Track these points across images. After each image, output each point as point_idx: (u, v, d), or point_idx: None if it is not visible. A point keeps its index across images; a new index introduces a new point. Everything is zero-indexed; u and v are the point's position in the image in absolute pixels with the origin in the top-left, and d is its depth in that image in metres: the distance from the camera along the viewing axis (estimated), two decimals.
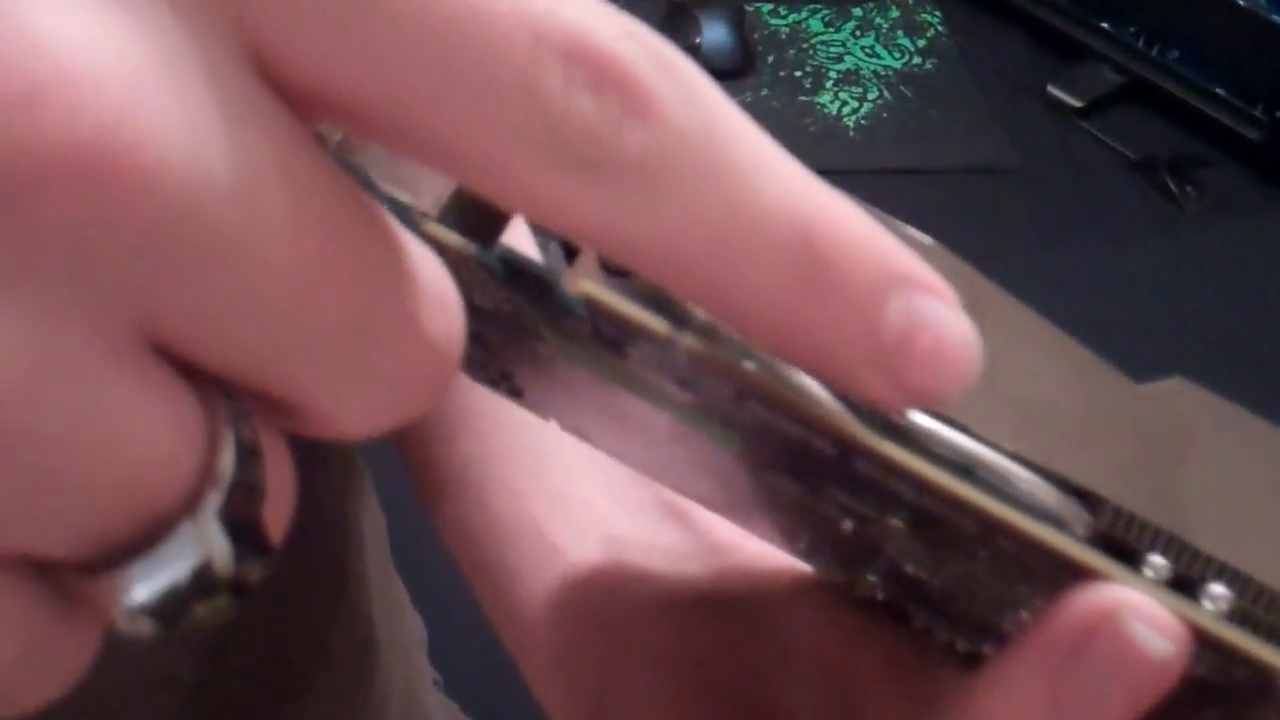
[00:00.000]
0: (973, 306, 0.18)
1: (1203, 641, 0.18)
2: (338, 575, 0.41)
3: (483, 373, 0.24)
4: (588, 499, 0.31)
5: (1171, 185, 1.59)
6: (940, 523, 0.20)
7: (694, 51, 1.67)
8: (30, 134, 0.12)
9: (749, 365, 0.19)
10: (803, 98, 1.69)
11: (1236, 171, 1.62)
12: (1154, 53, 1.70)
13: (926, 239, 0.20)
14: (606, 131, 0.15)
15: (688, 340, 0.19)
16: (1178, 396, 0.20)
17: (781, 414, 0.19)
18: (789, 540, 0.25)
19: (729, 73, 1.68)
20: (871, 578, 0.24)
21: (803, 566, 0.27)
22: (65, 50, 0.13)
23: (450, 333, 0.16)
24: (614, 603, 0.28)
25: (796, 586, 0.27)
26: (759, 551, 0.29)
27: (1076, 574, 0.19)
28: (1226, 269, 1.53)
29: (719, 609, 0.27)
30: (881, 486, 0.19)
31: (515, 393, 0.24)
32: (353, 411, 0.15)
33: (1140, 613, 0.18)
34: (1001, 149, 1.64)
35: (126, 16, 0.13)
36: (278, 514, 0.15)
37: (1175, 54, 1.69)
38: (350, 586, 0.42)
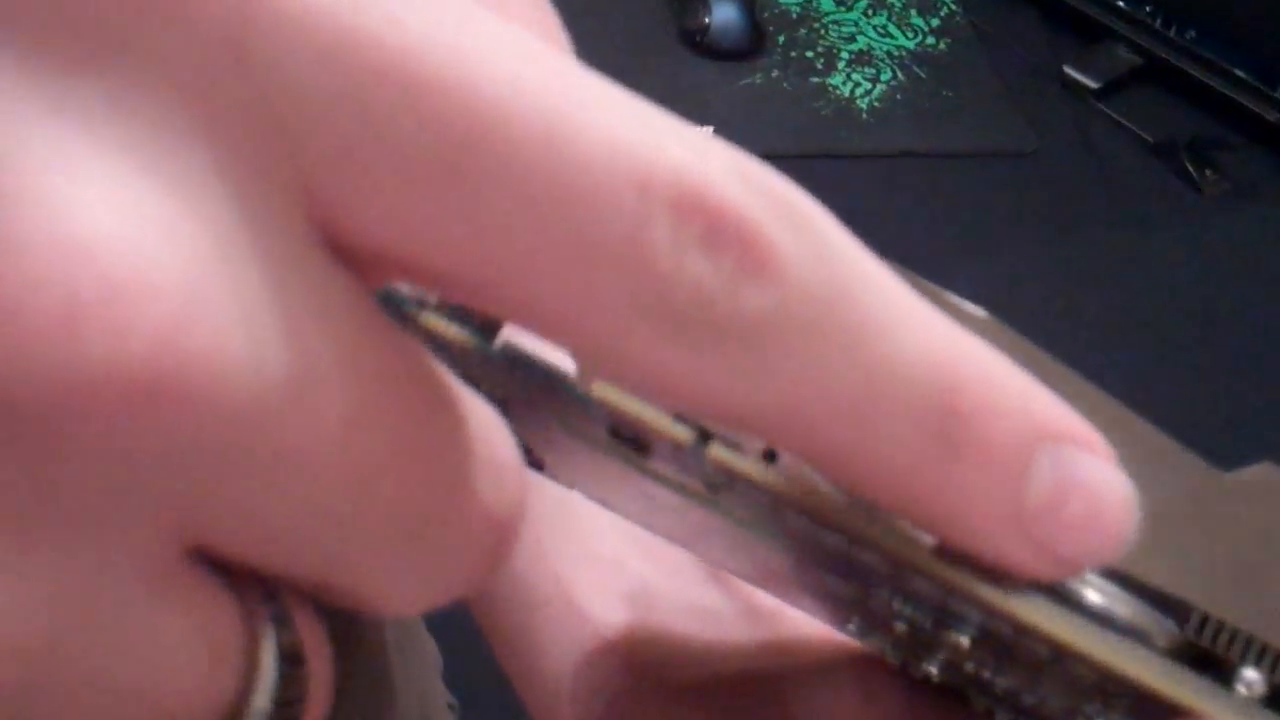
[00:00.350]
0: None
1: None
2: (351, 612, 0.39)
3: None
4: (619, 559, 0.28)
5: (1191, 168, 1.57)
6: (1007, 642, 0.17)
7: (702, 32, 1.64)
8: (71, 359, 0.11)
9: (779, 479, 0.17)
10: (814, 79, 1.67)
11: (1257, 154, 1.60)
12: (1171, 33, 1.68)
13: (980, 312, 0.18)
14: (722, 295, 0.14)
15: (715, 452, 0.17)
16: (1269, 484, 0.18)
17: (823, 529, 0.17)
18: (837, 622, 0.23)
19: (738, 54, 1.66)
20: (928, 667, 0.22)
21: (852, 641, 0.25)
22: (109, 251, 0.11)
23: (512, 500, 0.14)
24: (646, 679, 0.26)
25: (845, 662, 0.25)
26: (805, 620, 0.26)
27: (1158, 702, 0.17)
28: (1247, 252, 1.51)
29: (760, 686, 0.25)
30: (940, 603, 0.17)
31: (535, 465, 0.23)
32: (408, 594, 0.14)
33: None
34: (1017, 131, 1.62)
35: (176, 199, 0.11)
36: (317, 706, 0.14)
37: (1193, 34, 1.67)
38: (364, 620, 0.40)
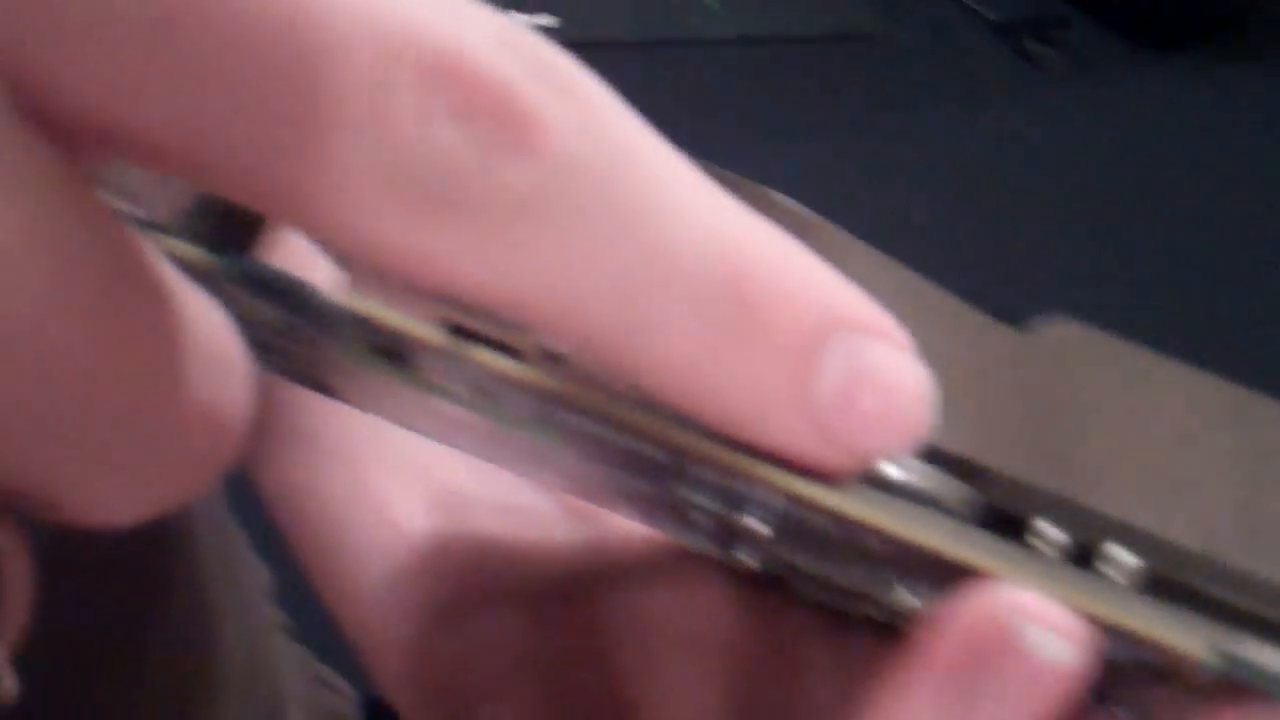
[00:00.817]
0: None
1: (1107, 628, 0.16)
2: (160, 535, 0.38)
3: (286, 375, 0.21)
4: (430, 465, 0.27)
5: (1032, 47, 1.58)
6: (799, 523, 0.17)
7: None
8: None
9: (541, 375, 0.16)
10: None
11: (1098, 31, 1.62)
12: None
13: (809, 213, 0.17)
14: (478, 169, 0.13)
15: (474, 353, 0.16)
16: (1063, 341, 0.17)
17: (598, 421, 0.16)
18: (650, 521, 0.23)
19: None
20: (744, 558, 0.22)
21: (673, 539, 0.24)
22: None
23: (233, 399, 0.13)
24: (464, 589, 0.25)
25: (668, 559, 0.24)
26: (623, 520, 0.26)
27: (947, 566, 0.16)
28: (1089, 129, 1.53)
29: (583, 588, 0.24)
30: (724, 487, 0.17)
31: (328, 390, 0.22)
32: (114, 501, 0.12)
33: (1034, 616, 0.16)
34: (860, 14, 1.62)
35: None
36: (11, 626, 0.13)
37: None
38: (176, 546, 0.39)
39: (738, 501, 0.17)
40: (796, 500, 0.16)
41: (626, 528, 0.25)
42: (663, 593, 0.24)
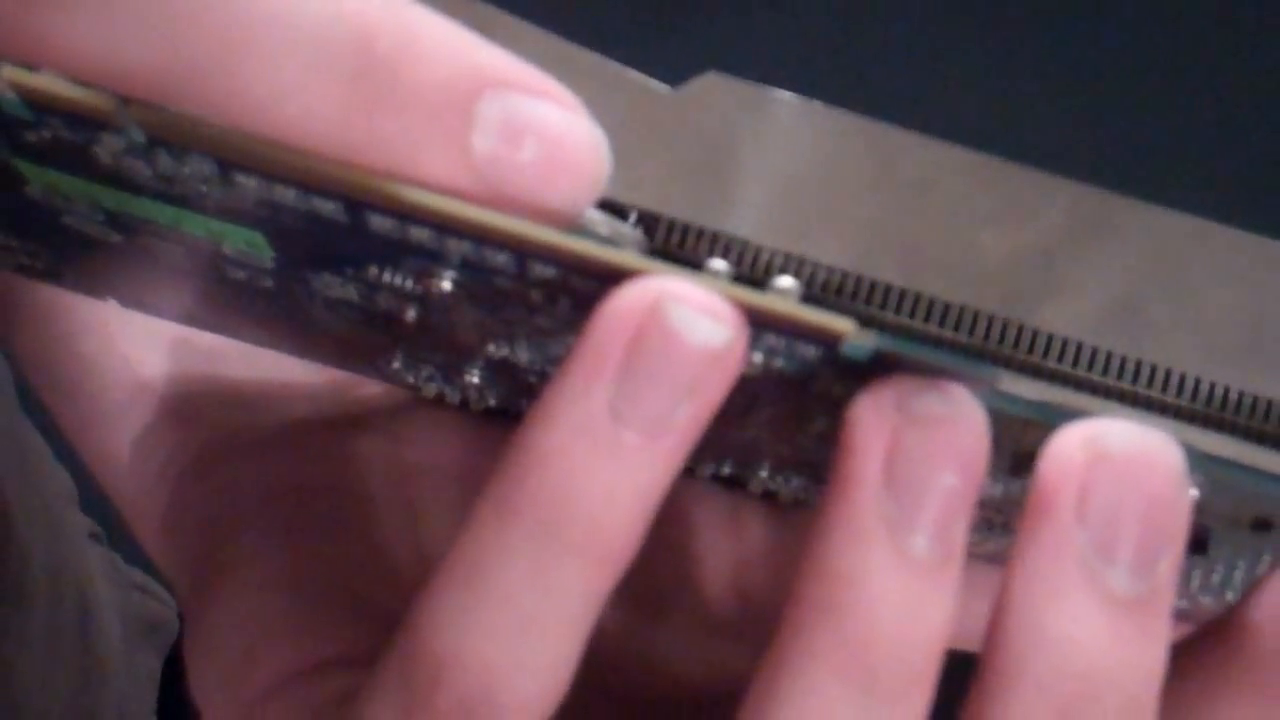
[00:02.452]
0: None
1: (764, 324, 0.16)
2: None
3: (3, 260, 0.21)
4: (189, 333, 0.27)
5: None
6: (481, 270, 0.17)
7: None
8: None
9: (211, 126, 0.16)
10: None
11: None
12: None
13: (510, 17, 0.19)
14: None
15: (138, 111, 0.16)
16: (713, 92, 0.19)
17: (267, 175, 0.16)
18: (388, 366, 0.23)
19: None
20: (473, 379, 0.22)
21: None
22: None
23: None
24: (211, 435, 0.25)
25: (411, 406, 0.25)
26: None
27: (617, 274, 0.17)
28: None
29: (325, 427, 0.24)
30: (404, 240, 0.17)
31: (54, 275, 0.22)
32: None
33: (687, 299, 0.16)
34: None
35: None
36: None
37: None
38: None
39: (422, 264, 0.18)
40: (467, 230, 0.16)
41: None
42: (400, 427, 0.24)
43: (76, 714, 0.43)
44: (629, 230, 0.18)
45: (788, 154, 0.18)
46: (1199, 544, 0.19)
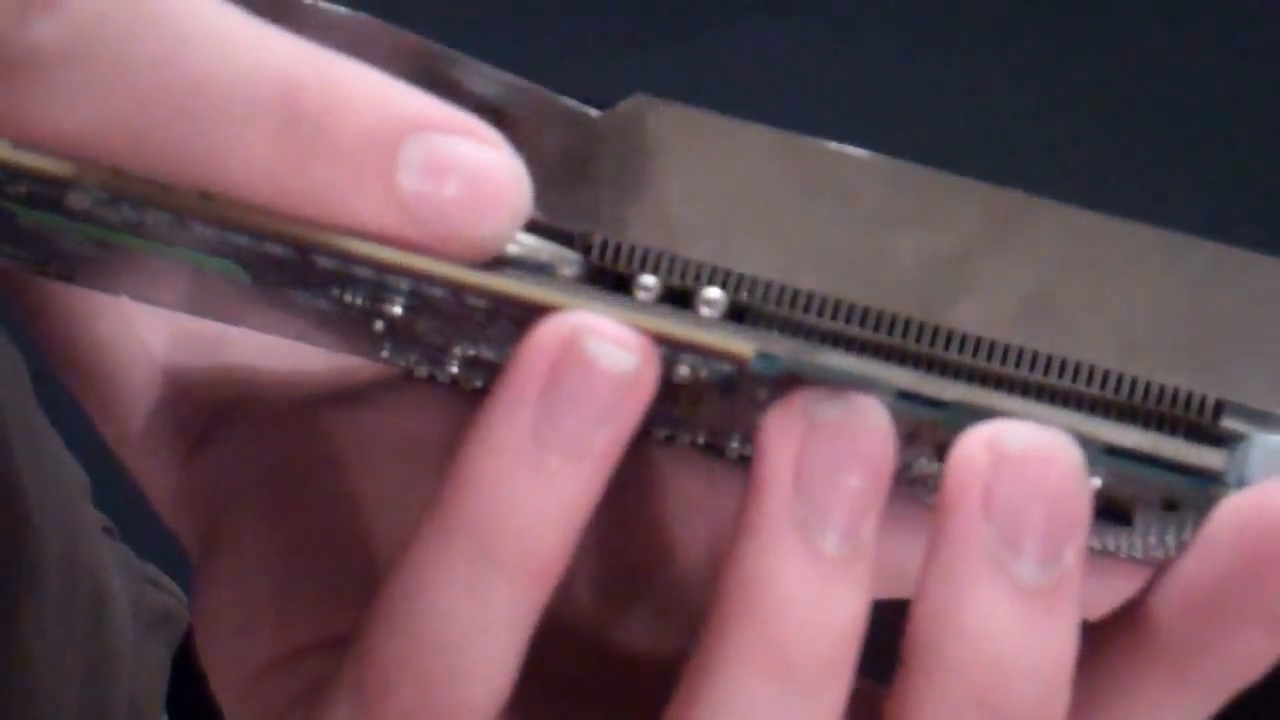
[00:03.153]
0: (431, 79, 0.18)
1: (679, 348, 0.18)
2: None
3: (21, 265, 0.22)
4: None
5: None
6: (425, 298, 0.19)
7: None
8: None
9: (158, 186, 0.18)
10: None
11: None
12: None
13: (399, 32, 0.20)
14: (12, 29, 0.15)
15: (94, 174, 0.18)
16: (641, 115, 0.20)
17: (219, 225, 0.18)
18: (379, 354, 0.24)
19: None
20: (453, 369, 0.24)
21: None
22: None
23: None
24: (216, 412, 0.26)
25: (399, 380, 0.26)
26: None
27: (542, 313, 0.18)
28: None
29: (324, 405, 0.26)
30: (351, 276, 0.19)
31: (68, 278, 0.23)
32: None
33: (599, 331, 0.17)
34: None
35: None
36: None
37: None
38: None
39: (374, 291, 0.19)
40: (391, 270, 0.18)
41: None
42: (396, 400, 0.25)
43: (87, 700, 0.43)
44: (566, 253, 0.19)
45: (714, 171, 0.19)
46: (1124, 517, 0.20)
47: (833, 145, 0.19)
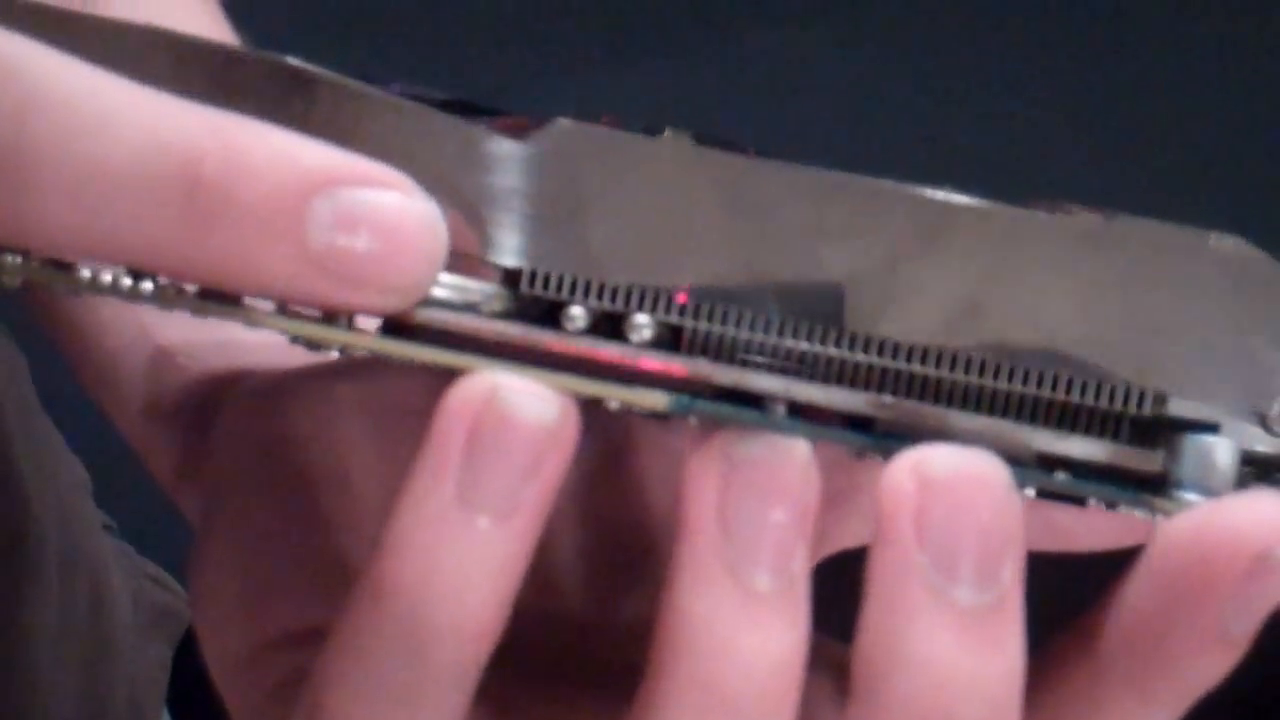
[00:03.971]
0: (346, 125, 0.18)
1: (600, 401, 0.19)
2: None
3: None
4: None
5: None
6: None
7: None
8: None
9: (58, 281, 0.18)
10: None
11: None
12: None
13: (320, 71, 0.19)
14: None
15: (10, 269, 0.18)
16: (564, 140, 0.19)
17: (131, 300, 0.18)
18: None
19: None
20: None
21: None
22: None
23: None
24: (214, 392, 0.27)
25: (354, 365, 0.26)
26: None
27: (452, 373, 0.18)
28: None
29: (327, 377, 0.26)
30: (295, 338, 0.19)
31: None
32: None
33: (517, 386, 0.17)
34: None
35: None
36: None
37: None
38: None
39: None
40: (306, 339, 0.18)
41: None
42: (382, 375, 0.25)
43: (87, 691, 0.44)
44: (487, 288, 0.19)
45: (638, 192, 0.19)
46: (1078, 501, 0.20)
47: (756, 159, 0.19)
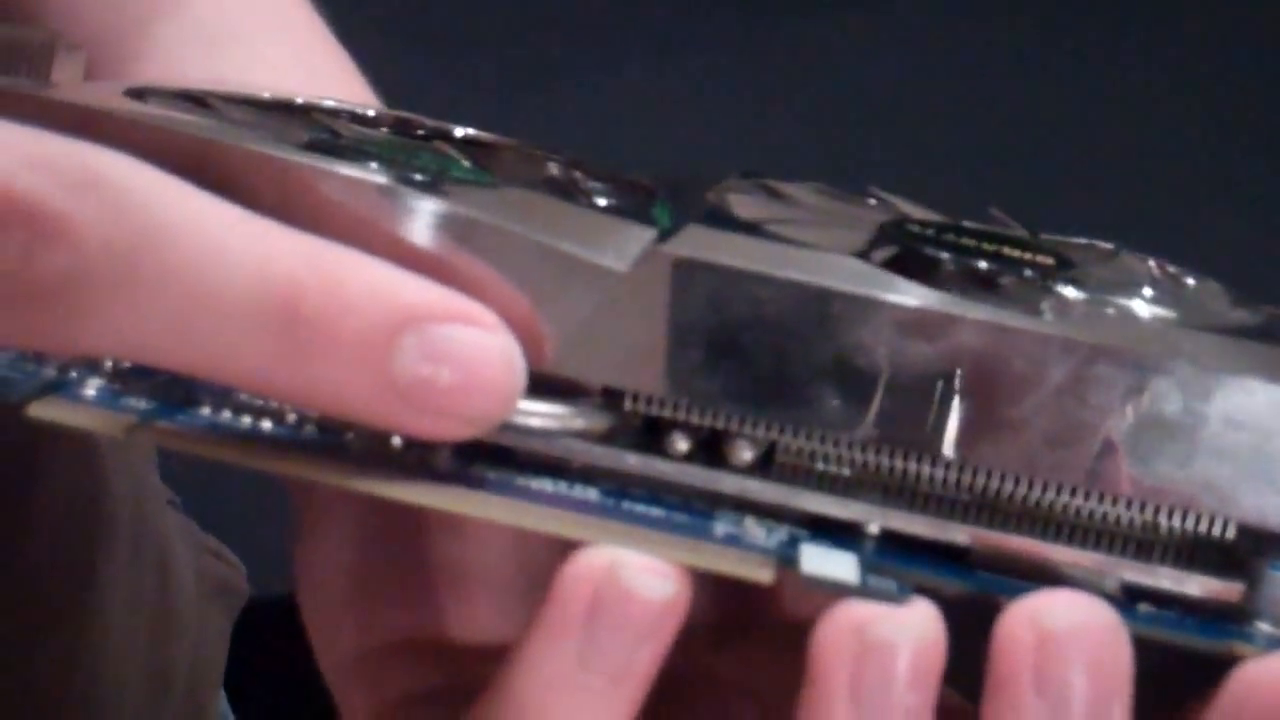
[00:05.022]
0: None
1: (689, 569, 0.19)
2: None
3: None
4: None
5: None
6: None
7: None
8: None
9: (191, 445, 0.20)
10: None
11: None
12: None
13: (485, 218, 0.20)
14: (16, 265, 0.16)
15: (139, 434, 0.20)
16: (657, 263, 0.19)
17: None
18: None
19: None
20: None
21: None
22: None
23: None
24: None
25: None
26: None
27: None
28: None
29: None
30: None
31: None
32: None
33: (635, 564, 0.18)
34: None
35: None
36: None
37: None
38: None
39: None
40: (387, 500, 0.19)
41: None
42: None
43: (153, 664, 0.44)
44: (594, 413, 0.20)
45: (725, 318, 0.19)
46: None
47: (851, 289, 0.19)
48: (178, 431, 0.20)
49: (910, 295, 0.19)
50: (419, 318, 0.18)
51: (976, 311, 0.19)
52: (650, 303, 0.19)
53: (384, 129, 0.24)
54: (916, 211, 0.23)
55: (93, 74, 0.32)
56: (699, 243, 0.20)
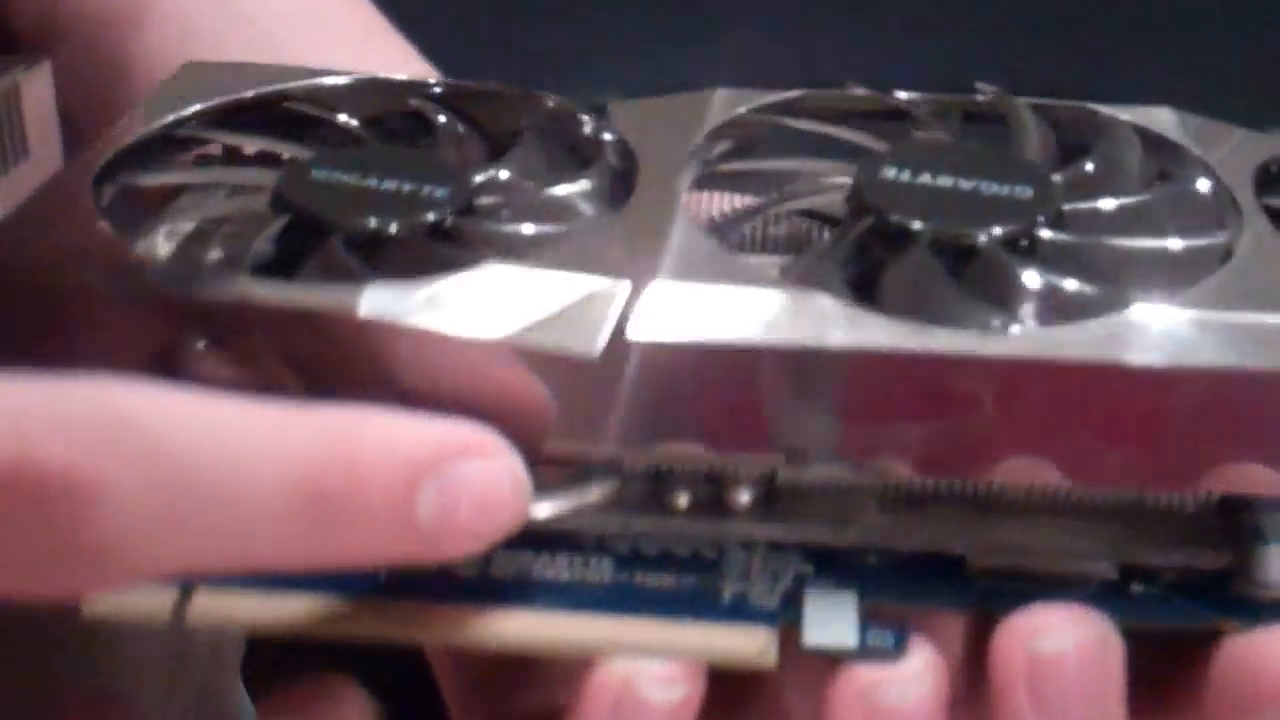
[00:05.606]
0: None
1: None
2: None
3: None
4: None
5: None
6: None
7: None
8: None
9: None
10: None
11: None
12: None
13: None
14: (68, 537, 0.17)
15: (187, 613, 0.21)
16: (637, 350, 0.20)
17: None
18: None
19: None
20: None
21: None
22: None
23: None
24: None
25: None
26: None
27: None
28: None
29: None
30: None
31: None
32: None
33: (649, 673, 0.20)
34: None
35: None
36: None
37: None
38: None
39: None
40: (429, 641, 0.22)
41: None
42: None
43: (170, 652, 0.44)
44: (602, 480, 0.21)
45: (719, 388, 0.20)
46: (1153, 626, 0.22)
47: (806, 342, 0.20)
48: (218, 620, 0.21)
49: (867, 333, 0.20)
50: (434, 462, 0.18)
51: (935, 341, 0.20)
52: (622, 378, 0.20)
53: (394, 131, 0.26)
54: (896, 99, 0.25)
55: (100, 36, 0.32)
56: (659, 312, 0.20)
